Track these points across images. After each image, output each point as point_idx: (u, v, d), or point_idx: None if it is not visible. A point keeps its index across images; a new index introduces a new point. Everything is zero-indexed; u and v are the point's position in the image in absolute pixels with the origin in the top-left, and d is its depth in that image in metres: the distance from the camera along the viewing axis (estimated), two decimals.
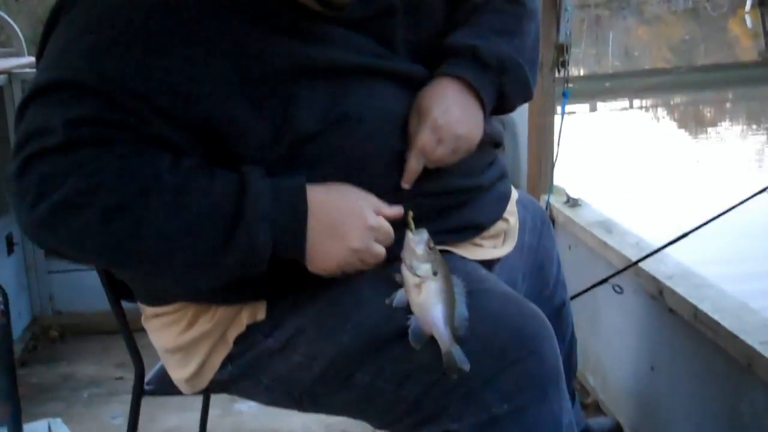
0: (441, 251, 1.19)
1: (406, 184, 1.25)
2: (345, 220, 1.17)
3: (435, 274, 1.16)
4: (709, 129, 11.98)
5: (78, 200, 1.08)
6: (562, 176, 2.84)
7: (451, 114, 1.26)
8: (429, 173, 1.27)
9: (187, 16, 1.13)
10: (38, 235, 1.13)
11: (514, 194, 1.55)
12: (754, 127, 11.87)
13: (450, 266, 1.20)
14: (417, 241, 1.16)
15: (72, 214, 1.08)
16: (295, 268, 1.20)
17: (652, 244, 2.12)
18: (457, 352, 1.14)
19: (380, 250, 1.20)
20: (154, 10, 1.13)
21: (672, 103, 15.33)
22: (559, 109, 2.70)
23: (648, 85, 16.16)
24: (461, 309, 1.17)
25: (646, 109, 14.42)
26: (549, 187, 2.70)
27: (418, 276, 1.16)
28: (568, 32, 2.63)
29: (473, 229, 1.38)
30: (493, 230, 1.43)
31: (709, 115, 13.95)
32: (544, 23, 2.56)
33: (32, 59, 3.44)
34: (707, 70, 19.83)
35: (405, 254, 1.17)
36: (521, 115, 2.75)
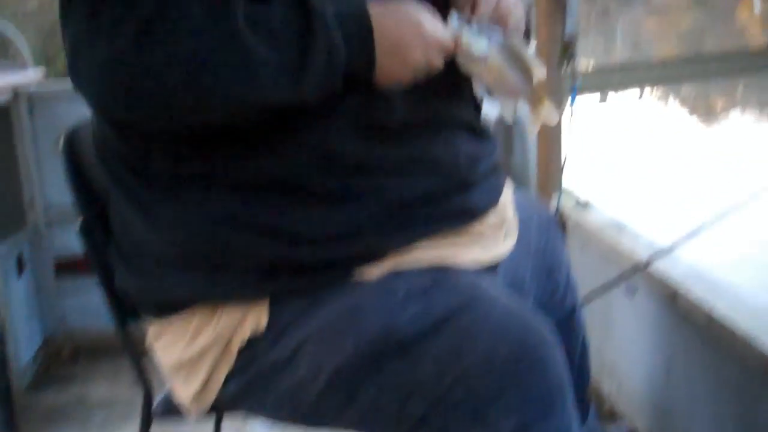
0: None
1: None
2: (404, 34, 1.19)
3: (489, 42, 1.20)
4: (721, 118, 11.93)
5: (164, 20, 1.07)
6: (573, 175, 2.81)
7: None
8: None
9: None
10: (121, 71, 1.08)
11: (509, 190, 1.53)
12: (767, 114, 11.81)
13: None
14: (456, 24, 1.20)
15: (158, 34, 1.07)
16: (291, 257, 1.21)
17: (666, 246, 2.09)
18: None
19: (439, 61, 1.22)
20: None
21: (682, 92, 15.29)
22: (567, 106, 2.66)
23: (657, 75, 16.11)
24: (533, 59, 1.23)
25: (657, 98, 14.39)
26: (558, 189, 2.68)
27: (478, 56, 1.20)
28: (574, 26, 2.58)
29: (469, 215, 1.35)
30: (492, 219, 1.40)
31: (720, 104, 13.89)
32: (549, 17, 2.54)
33: (39, 72, 3.45)
34: (716, 59, 19.74)
35: (456, 48, 1.21)
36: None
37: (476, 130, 1.43)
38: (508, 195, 1.50)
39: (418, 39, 1.19)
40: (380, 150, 1.26)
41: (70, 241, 1.51)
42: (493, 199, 1.42)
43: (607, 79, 14.60)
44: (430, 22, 1.21)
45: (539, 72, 1.26)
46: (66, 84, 3.47)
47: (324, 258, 1.24)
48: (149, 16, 1.06)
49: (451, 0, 1.30)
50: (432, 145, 1.31)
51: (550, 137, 2.70)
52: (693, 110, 13.43)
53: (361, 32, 1.17)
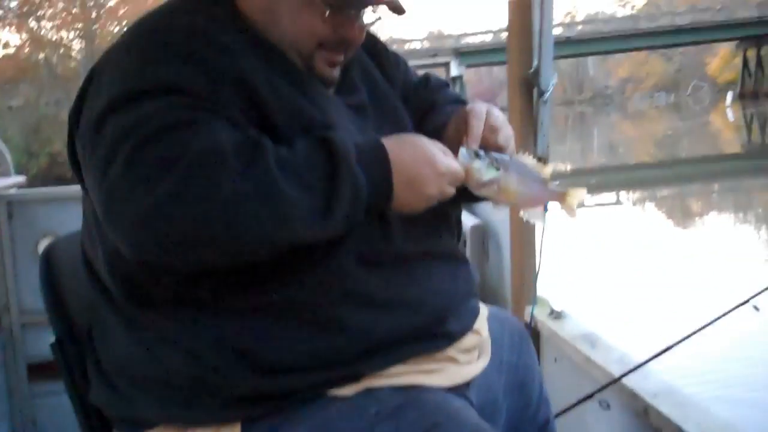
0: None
1: (473, 144, 1.33)
2: (419, 170, 1.25)
3: (498, 169, 1.31)
4: (697, 222, 12.11)
5: (204, 167, 1.10)
6: (547, 284, 2.84)
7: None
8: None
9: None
10: (161, 220, 1.10)
11: (484, 310, 1.56)
12: (742, 218, 11.99)
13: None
14: (466, 157, 1.29)
15: (199, 180, 1.10)
16: (270, 387, 1.22)
17: (637, 358, 2.11)
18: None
19: (451, 191, 1.29)
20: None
21: (659, 196, 15.53)
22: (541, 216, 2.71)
23: (634, 179, 16.38)
24: (539, 166, 1.35)
25: (634, 202, 14.59)
26: (533, 299, 2.70)
27: (490, 180, 1.30)
28: (545, 145, 2.66)
29: (446, 338, 1.38)
30: (466, 342, 1.42)
31: (696, 207, 14.11)
32: (523, 138, 2.61)
33: (20, 178, 3.47)
34: (692, 163, 20.16)
35: (467, 178, 1.29)
36: (504, 226, 2.76)
37: (457, 258, 1.49)
38: (483, 315, 1.53)
39: (432, 172, 1.26)
40: (376, 282, 1.30)
41: (44, 344, 1.51)
42: (469, 324, 1.45)
43: (583, 184, 14.82)
44: (441, 155, 1.28)
45: (548, 170, 1.37)
46: (44, 190, 3.52)
47: (301, 386, 1.25)
48: (188, 166, 1.10)
49: (444, 133, 1.41)
50: (420, 280, 1.36)
51: (524, 247, 2.73)
52: (669, 214, 13.62)
53: (381, 169, 1.23)
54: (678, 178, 16.37)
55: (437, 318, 1.36)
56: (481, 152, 1.31)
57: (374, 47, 1.54)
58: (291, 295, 1.25)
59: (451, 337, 1.39)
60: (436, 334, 1.36)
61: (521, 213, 1.40)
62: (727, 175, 16.90)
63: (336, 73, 1.38)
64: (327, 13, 1.30)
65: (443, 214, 1.46)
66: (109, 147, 1.14)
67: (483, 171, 1.30)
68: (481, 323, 1.51)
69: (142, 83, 1.17)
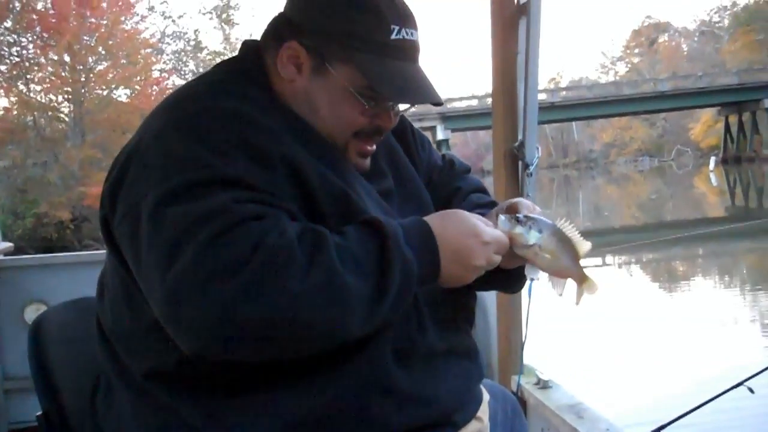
0: None
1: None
2: (465, 242, 1.28)
3: (540, 231, 1.36)
4: (682, 285, 12.13)
5: (274, 264, 1.11)
6: (534, 353, 2.84)
7: None
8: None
9: None
10: (232, 322, 1.10)
11: (486, 396, 1.57)
12: (728, 284, 12.03)
13: None
14: (507, 225, 1.35)
15: (270, 279, 1.10)
16: None
17: (624, 429, 2.12)
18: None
19: (498, 259, 1.33)
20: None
21: (644, 259, 15.57)
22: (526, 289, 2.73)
23: (619, 243, 16.44)
24: (578, 239, 1.40)
25: (619, 266, 14.62)
26: (519, 368, 2.70)
27: (531, 245, 1.35)
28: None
29: (451, 427, 1.40)
30: (469, 429, 1.45)
31: (681, 270, 14.15)
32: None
33: (7, 245, 3.47)
34: (676, 227, 20.28)
35: (512, 243, 1.35)
36: (490, 294, 2.78)
37: (474, 353, 1.51)
38: (485, 400, 1.55)
39: (477, 243, 1.30)
40: (403, 375, 1.31)
41: (27, 410, 1.51)
42: (473, 413, 1.47)
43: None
44: (484, 225, 1.32)
45: (585, 247, 1.41)
46: (32, 257, 3.52)
47: None
48: (259, 264, 1.11)
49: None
50: (441, 376, 1.38)
51: (511, 317, 2.75)
52: (654, 277, 13.65)
53: (428, 245, 1.26)
54: (664, 241, 16.45)
55: (447, 413, 1.39)
56: (521, 217, 1.37)
57: (400, 126, 1.55)
58: (323, 386, 1.26)
59: (455, 426, 1.41)
60: (443, 424, 1.38)
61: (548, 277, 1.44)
62: (712, 239, 17.00)
63: (368, 163, 1.43)
64: (366, 106, 1.35)
65: (465, 307, 1.50)
66: (173, 239, 1.13)
67: (526, 235, 1.35)
68: (483, 409, 1.53)
69: (202, 174, 1.17)
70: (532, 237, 1.35)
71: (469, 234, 1.29)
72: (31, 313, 2.90)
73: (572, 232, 1.40)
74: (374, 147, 1.43)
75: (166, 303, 1.12)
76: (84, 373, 1.50)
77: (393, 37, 1.33)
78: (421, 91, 1.36)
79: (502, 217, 1.36)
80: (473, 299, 1.56)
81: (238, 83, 1.35)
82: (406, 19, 1.36)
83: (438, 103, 1.39)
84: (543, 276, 1.44)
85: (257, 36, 1.46)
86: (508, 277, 1.45)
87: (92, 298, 1.46)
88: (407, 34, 1.35)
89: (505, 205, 1.47)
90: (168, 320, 1.13)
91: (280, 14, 1.42)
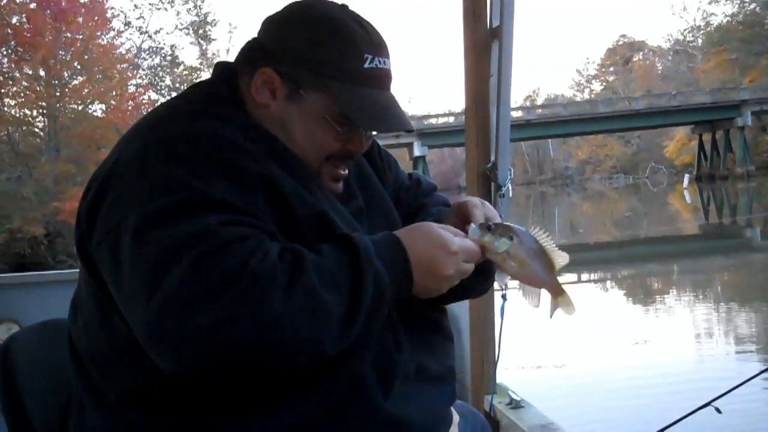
0: None
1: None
2: (432, 254, 1.29)
3: (511, 239, 1.36)
4: (657, 301, 12.20)
5: (257, 285, 1.13)
6: (507, 370, 2.86)
7: None
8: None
9: None
10: (215, 342, 1.11)
11: (456, 417, 1.58)
12: (702, 300, 12.11)
13: None
14: (477, 233, 1.35)
15: (254, 300, 1.12)
16: None
17: None
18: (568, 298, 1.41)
19: (469, 267, 1.34)
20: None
21: (619, 276, 15.66)
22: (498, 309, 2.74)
23: (594, 259, 16.53)
24: (554, 251, 1.40)
25: (594, 282, 14.68)
26: (492, 388, 2.71)
27: (501, 252, 1.36)
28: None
29: None
30: None
31: (656, 286, 14.23)
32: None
33: None
34: (651, 243, 20.42)
35: (483, 251, 1.36)
36: (463, 313, 2.79)
37: (449, 375, 1.52)
38: (455, 421, 1.55)
39: (444, 254, 1.31)
40: (383, 396, 1.32)
41: None
42: None
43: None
44: (452, 236, 1.33)
45: (562, 259, 1.42)
46: (3, 276, 3.48)
47: None
48: (244, 285, 1.12)
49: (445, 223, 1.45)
50: (418, 398, 1.38)
51: (484, 337, 2.76)
52: (629, 293, 13.72)
53: (399, 257, 1.29)
54: (638, 257, 16.55)
55: None
56: (492, 225, 1.38)
57: (369, 148, 1.57)
58: (301, 406, 1.26)
59: None
60: None
61: (518, 287, 1.45)
62: (686, 256, 17.14)
63: (341, 186, 1.45)
64: (340, 132, 1.37)
65: (438, 327, 1.51)
66: (156, 262, 1.14)
67: (496, 243, 1.36)
68: (453, 430, 1.53)
69: (184, 196, 1.19)
70: (503, 244, 1.36)
71: (436, 245, 1.31)
72: (2, 333, 2.88)
73: (548, 243, 1.41)
74: (347, 171, 1.45)
75: (150, 325, 1.12)
76: (54, 394, 1.50)
77: (366, 65, 1.36)
78: (393, 119, 1.39)
79: (472, 225, 1.38)
80: (446, 319, 1.57)
81: (216, 105, 1.37)
82: (378, 47, 1.38)
83: (409, 130, 1.42)
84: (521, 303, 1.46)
85: (234, 52, 1.48)
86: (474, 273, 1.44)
87: (62, 319, 1.46)
88: (380, 62, 1.38)
89: (456, 204, 1.51)
90: (151, 342, 1.13)
91: (254, 39, 1.44)
